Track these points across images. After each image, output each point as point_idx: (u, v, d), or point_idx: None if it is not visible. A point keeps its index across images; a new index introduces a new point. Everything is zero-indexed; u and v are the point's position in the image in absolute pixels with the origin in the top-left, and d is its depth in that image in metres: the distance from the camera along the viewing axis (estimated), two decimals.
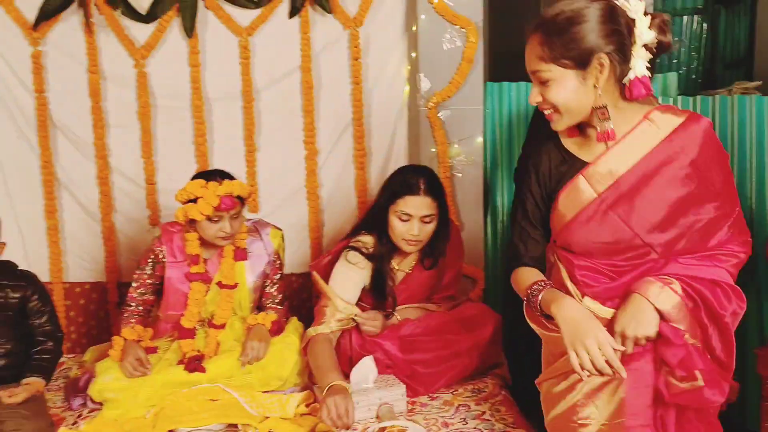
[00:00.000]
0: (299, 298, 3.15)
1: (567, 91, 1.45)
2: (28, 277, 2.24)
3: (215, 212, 2.23)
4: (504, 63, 4.20)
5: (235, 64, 2.98)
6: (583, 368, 1.40)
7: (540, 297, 1.52)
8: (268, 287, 2.49)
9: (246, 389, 2.18)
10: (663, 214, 1.45)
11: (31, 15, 2.87)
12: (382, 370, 2.20)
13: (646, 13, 1.42)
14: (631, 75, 1.43)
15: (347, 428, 1.93)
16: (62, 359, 2.76)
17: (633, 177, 1.47)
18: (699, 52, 5.09)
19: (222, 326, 2.37)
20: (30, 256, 3.01)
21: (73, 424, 2.13)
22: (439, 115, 2.93)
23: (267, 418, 2.08)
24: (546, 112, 1.50)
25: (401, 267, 2.45)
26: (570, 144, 1.57)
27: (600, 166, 1.49)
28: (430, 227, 2.32)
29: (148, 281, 2.41)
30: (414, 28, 2.92)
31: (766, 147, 2.29)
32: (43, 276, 3.00)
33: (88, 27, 2.88)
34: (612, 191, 1.48)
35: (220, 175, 2.31)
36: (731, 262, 1.49)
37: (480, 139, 2.94)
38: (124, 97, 2.98)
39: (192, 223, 2.32)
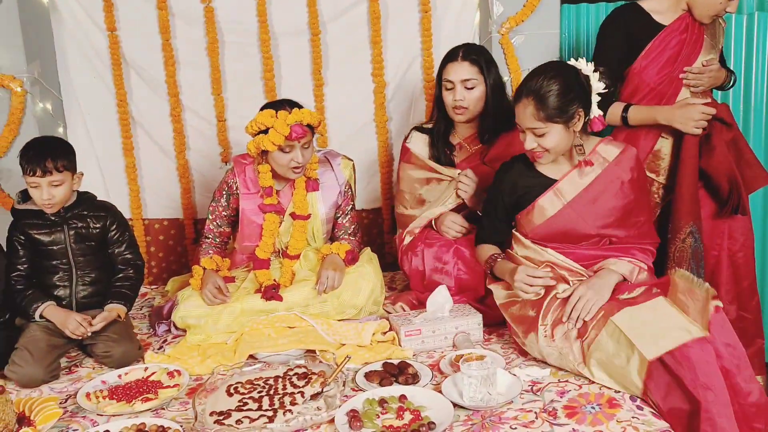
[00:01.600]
0: (370, 234, 3.15)
1: (557, 139, 1.95)
2: (108, 208, 2.31)
3: (286, 141, 2.21)
4: None
5: None
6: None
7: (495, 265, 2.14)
8: (341, 218, 2.48)
9: (322, 317, 2.21)
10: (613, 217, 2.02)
11: None
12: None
13: (595, 70, 1.96)
14: (591, 115, 1.98)
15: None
16: (145, 290, 2.89)
17: (589, 191, 2.01)
18: None
19: (296, 257, 2.39)
20: (111, 193, 3.09)
21: (158, 349, 2.22)
22: (512, 41, 2.80)
23: (343, 345, 2.10)
24: (537, 152, 1.97)
25: (464, 143, 2.48)
26: (540, 166, 2.06)
27: (565, 183, 2.01)
28: (475, 93, 2.34)
29: (223, 213, 2.43)
30: None
31: None
32: (124, 213, 3.07)
33: None
34: (576, 200, 2.01)
35: (289, 104, 2.27)
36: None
37: None
38: (193, 34, 2.98)
39: (264, 154, 2.31)
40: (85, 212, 2.23)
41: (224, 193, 2.42)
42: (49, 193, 2.11)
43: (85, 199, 2.27)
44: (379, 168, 3.09)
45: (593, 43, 2.84)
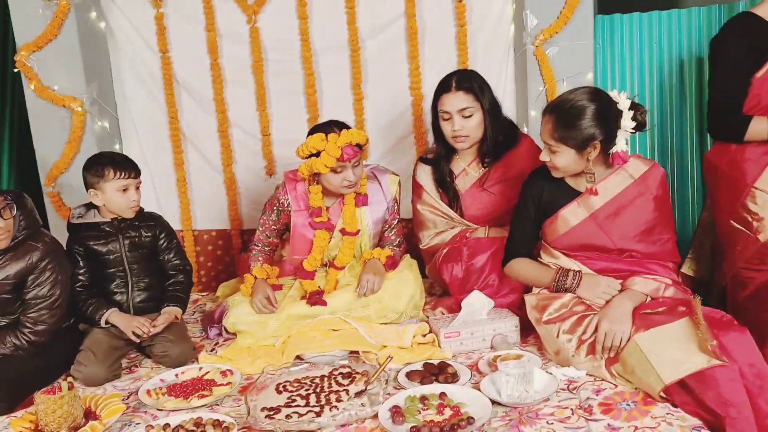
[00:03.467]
0: (410, 243, 3.22)
1: (567, 160, 2.00)
2: (156, 218, 2.47)
3: (338, 163, 2.28)
4: None
5: (341, 14, 3.05)
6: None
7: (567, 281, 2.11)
8: (387, 231, 2.56)
9: (365, 321, 2.29)
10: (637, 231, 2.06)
11: None
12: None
13: (631, 106, 1.96)
14: (614, 149, 1.99)
15: None
16: (196, 297, 3.03)
17: (612, 204, 2.05)
18: None
19: (343, 268, 2.49)
20: (163, 207, 3.27)
21: (211, 351, 2.34)
22: (546, 52, 2.85)
23: (384, 347, 2.19)
24: (549, 166, 2.05)
25: (468, 169, 2.52)
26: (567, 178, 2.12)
27: (590, 196, 2.06)
28: (473, 121, 2.38)
29: (273, 227, 2.55)
30: None
31: None
32: (174, 224, 3.22)
33: None
34: (599, 213, 2.06)
35: (337, 126, 2.33)
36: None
37: (590, 75, 2.85)
38: (238, 53, 3.13)
39: (315, 176, 2.39)
40: (137, 223, 2.38)
41: (275, 208, 2.51)
42: (136, 195, 2.31)
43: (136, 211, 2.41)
44: None
45: (627, 53, 2.91)
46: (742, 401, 1.65)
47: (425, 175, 2.59)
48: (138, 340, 2.26)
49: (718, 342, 1.72)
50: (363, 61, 3.10)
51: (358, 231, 2.47)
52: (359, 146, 2.33)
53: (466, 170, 2.54)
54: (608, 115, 1.95)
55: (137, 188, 2.32)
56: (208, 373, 2.12)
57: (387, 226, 2.55)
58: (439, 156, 2.54)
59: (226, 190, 3.27)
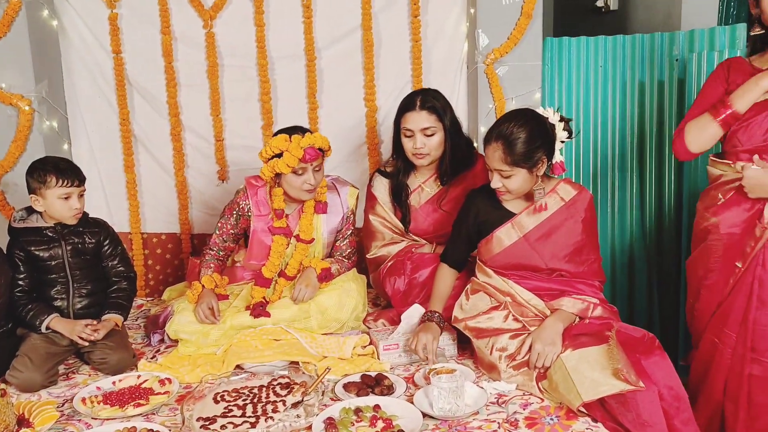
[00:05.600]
0: (359, 251, 3.26)
1: (521, 181, 2.08)
2: (100, 224, 2.45)
3: (300, 163, 2.33)
4: (565, 18, 4.16)
5: (298, 23, 3.08)
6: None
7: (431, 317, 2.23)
8: (339, 241, 2.61)
9: (306, 331, 2.32)
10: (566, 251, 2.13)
11: None
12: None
13: (561, 119, 2.08)
14: (553, 161, 2.10)
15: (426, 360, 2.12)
16: (141, 302, 3.02)
17: (544, 226, 2.13)
18: None
19: (293, 278, 2.51)
20: (112, 208, 3.25)
21: (151, 358, 2.34)
22: (496, 71, 2.93)
23: (325, 357, 2.22)
24: (501, 191, 2.10)
25: (424, 186, 2.59)
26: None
27: (523, 217, 2.14)
28: (435, 140, 2.45)
29: (231, 231, 2.56)
30: None
31: None
32: (124, 226, 3.26)
33: None
34: (531, 234, 2.13)
35: (301, 130, 2.40)
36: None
37: (538, 95, 2.94)
38: (194, 57, 3.13)
39: (277, 178, 2.43)
40: (81, 228, 2.36)
41: (234, 212, 2.54)
42: (79, 203, 2.28)
43: (80, 217, 2.39)
44: None
45: (574, 75, 3.00)
46: (659, 422, 1.73)
47: (382, 187, 2.64)
48: (85, 344, 2.24)
49: (638, 365, 1.80)
50: (319, 70, 3.14)
51: (313, 239, 2.52)
52: (321, 150, 2.40)
53: (422, 186, 2.60)
54: (546, 131, 2.07)
55: (81, 196, 2.30)
56: (146, 381, 2.12)
57: (340, 235, 2.60)
58: (398, 170, 2.60)
59: (177, 194, 3.26)
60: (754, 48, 2.09)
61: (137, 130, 3.21)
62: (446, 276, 2.31)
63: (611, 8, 3.85)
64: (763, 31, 1.97)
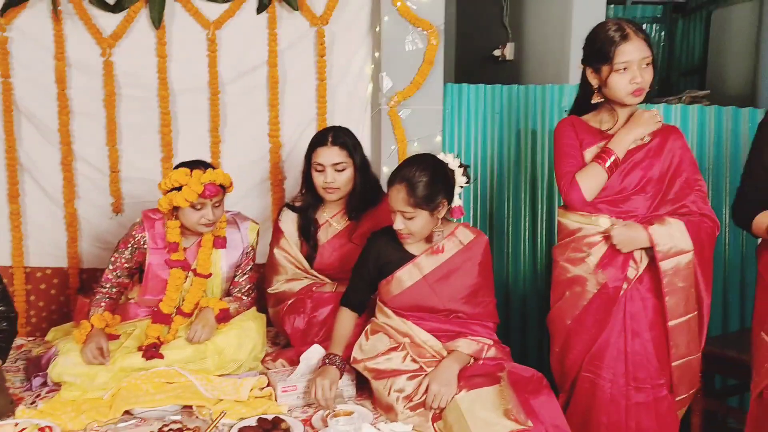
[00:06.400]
0: (259, 288, 3.21)
1: (422, 223, 2.15)
2: None
3: (199, 199, 2.30)
4: (465, 66, 4.36)
5: (202, 56, 3.05)
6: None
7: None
8: (238, 277, 2.58)
9: (202, 373, 2.25)
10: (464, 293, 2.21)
11: None
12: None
13: (460, 165, 2.18)
14: (453, 204, 2.20)
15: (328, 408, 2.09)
16: (22, 342, 2.82)
17: (443, 268, 2.21)
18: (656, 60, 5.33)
19: (190, 315, 2.44)
20: None
21: (31, 404, 2.18)
22: (399, 113, 3.02)
23: (221, 400, 2.16)
24: (404, 234, 2.16)
25: (332, 221, 2.63)
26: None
27: (423, 259, 2.21)
28: (345, 175, 2.51)
29: (126, 265, 2.47)
30: (378, 29, 3.01)
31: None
32: (4, 260, 3.05)
33: (56, 14, 2.92)
34: (431, 275, 2.20)
35: (203, 165, 2.38)
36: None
37: (439, 138, 3.05)
38: (90, 85, 3.02)
39: (174, 210, 2.38)
40: None
41: (129, 245, 2.46)
42: None
43: None
44: (272, 224, 3.18)
45: (473, 120, 3.14)
46: None
47: (290, 222, 2.64)
48: None
49: (527, 404, 1.88)
50: (222, 105, 3.10)
51: (210, 274, 2.46)
52: (222, 187, 2.39)
53: (330, 222, 2.63)
54: (446, 176, 2.16)
55: None
56: (24, 429, 1.96)
57: (239, 270, 2.56)
58: (307, 204, 2.63)
59: (66, 226, 3.09)
60: (579, 110, 2.26)
61: (24, 159, 3.04)
62: (346, 319, 2.33)
63: (507, 58, 4.08)
64: (602, 100, 2.17)
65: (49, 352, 2.39)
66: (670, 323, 2.09)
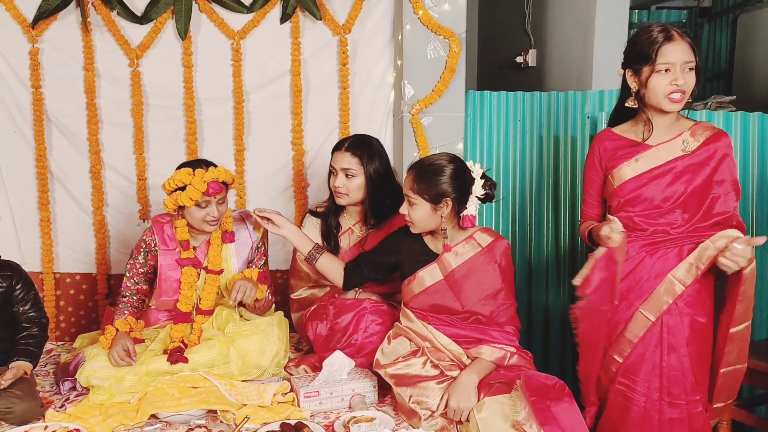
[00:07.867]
0: (283, 294, 3.25)
1: (422, 214, 2.17)
2: (12, 267, 2.34)
3: (203, 197, 2.34)
4: (487, 73, 4.37)
5: (227, 66, 3.10)
6: None
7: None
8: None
9: (226, 378, 2.28)
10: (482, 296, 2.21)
11: (29, 13, 2.97)
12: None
13: (482, 176, 2.16)
14: (465, 212, 2.18)
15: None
16: (52, 346, 2.88)
17: (462, 269, 2.22)
18: (700, 67, 5.32)
19: (209, 312, 2.47)
20: (23, 247, 3.11)
21: (60, 407, 2.23)
22: (421, 121, 3.03)
23: (245, 405, 2.18)
24: (407, 219, 2.21)
25: (354, 228, 2.64)
26: (427, 239, 2.30)
27: (444, 260, 2.23)
28: (355, 182, 2.51)
29: (141, 270, 2.51)
30: (399, 37, 3.03)
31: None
32: (35, 266, 3.12)
33: (85, 26, 2.99)
34: (453, 273, 2.21)
35: (205, 164, 2.42)
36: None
37: (460, 146, 3.06)
38: (118, 95, 3.09)
39: (180, 210, 2.43)
40: None
41: (142, 250, 2.50)
42: None
43: None
44: None
45: (495, 128, 3.15)
46: None
47: (313, 227, 2.66)
48: None
49: (548, 410, 1.88)
50: (246, 113, 3.15)
51: (222, 270, 2.50)
52: (225, 184, 2.42)
53: (352, 229, 2.65)
54: (462, 179, 2.16)
55: None
56: None
57: (253, 266, 2.58)
58: (330, 210, 2.65)
59: (95, 233, 3.16)
60: (618, 119, 2.21)
61: (54, 167, 3.11)
62: (337, 263, 2.44)
63: (529, 65, 4.08)
64: (636, 105, 2.11)
65: (77, 358, 2.43)
66: (732, 329, 2.01)
